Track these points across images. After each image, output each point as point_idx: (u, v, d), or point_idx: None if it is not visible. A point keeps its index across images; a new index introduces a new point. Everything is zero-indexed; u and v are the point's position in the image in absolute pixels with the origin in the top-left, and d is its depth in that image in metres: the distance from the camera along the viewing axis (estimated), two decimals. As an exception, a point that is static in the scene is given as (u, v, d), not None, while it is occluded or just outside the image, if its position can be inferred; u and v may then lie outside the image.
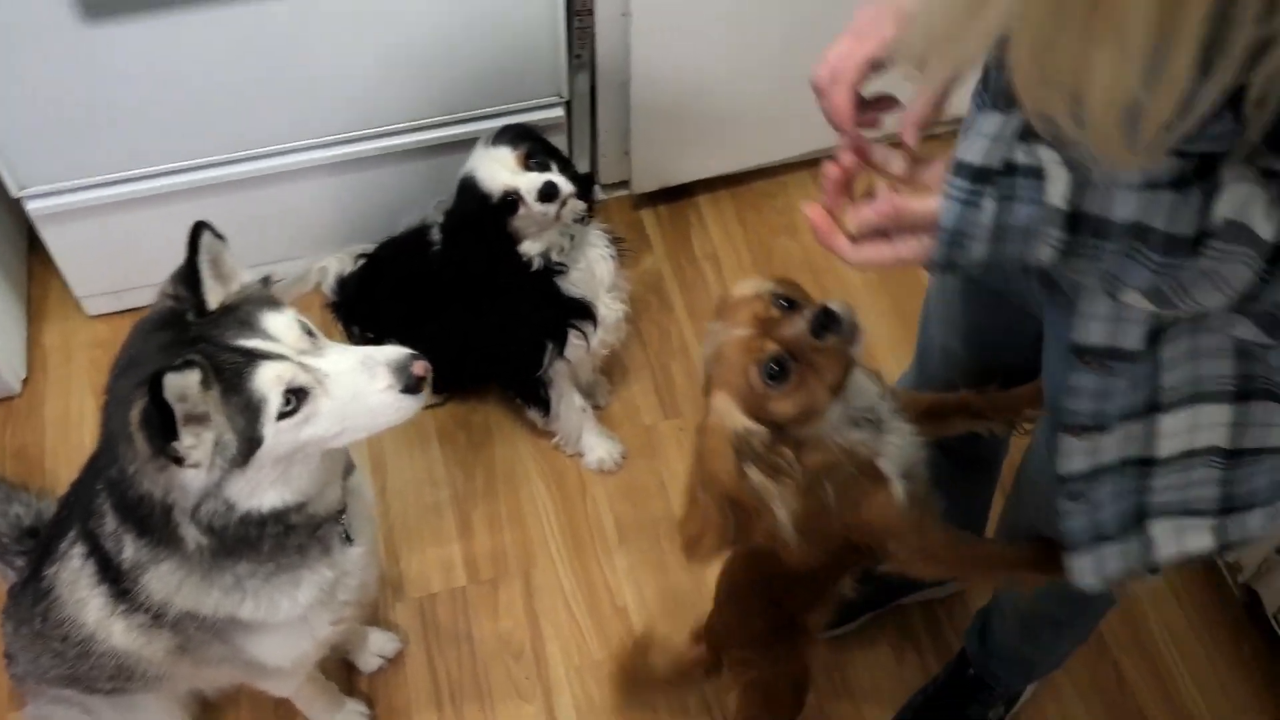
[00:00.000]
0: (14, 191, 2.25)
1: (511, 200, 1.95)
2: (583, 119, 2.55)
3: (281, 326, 1.34)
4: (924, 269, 1.01)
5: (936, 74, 0.95)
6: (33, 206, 2.29)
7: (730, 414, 1.21)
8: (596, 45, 2.37)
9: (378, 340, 2.37)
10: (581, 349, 2.18)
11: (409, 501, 2.33)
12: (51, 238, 2.38)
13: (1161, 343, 1.06)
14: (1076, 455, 1.19)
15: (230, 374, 1.27)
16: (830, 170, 1.07)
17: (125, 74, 2.10)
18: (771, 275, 1.30)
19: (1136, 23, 0.71)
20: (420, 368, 1.37)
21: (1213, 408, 1.10)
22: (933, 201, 0.96)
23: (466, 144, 2.06)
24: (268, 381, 1.28)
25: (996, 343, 1.46)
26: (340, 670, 2.09)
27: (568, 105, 2.43)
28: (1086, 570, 1.28)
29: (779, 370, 1.19)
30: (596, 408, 2.40)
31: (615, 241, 2.19)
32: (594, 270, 2.14)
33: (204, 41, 2.08)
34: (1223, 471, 1.15)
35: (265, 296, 1.39)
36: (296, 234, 2.51)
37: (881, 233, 1.02)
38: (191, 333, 1.31)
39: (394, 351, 1.38)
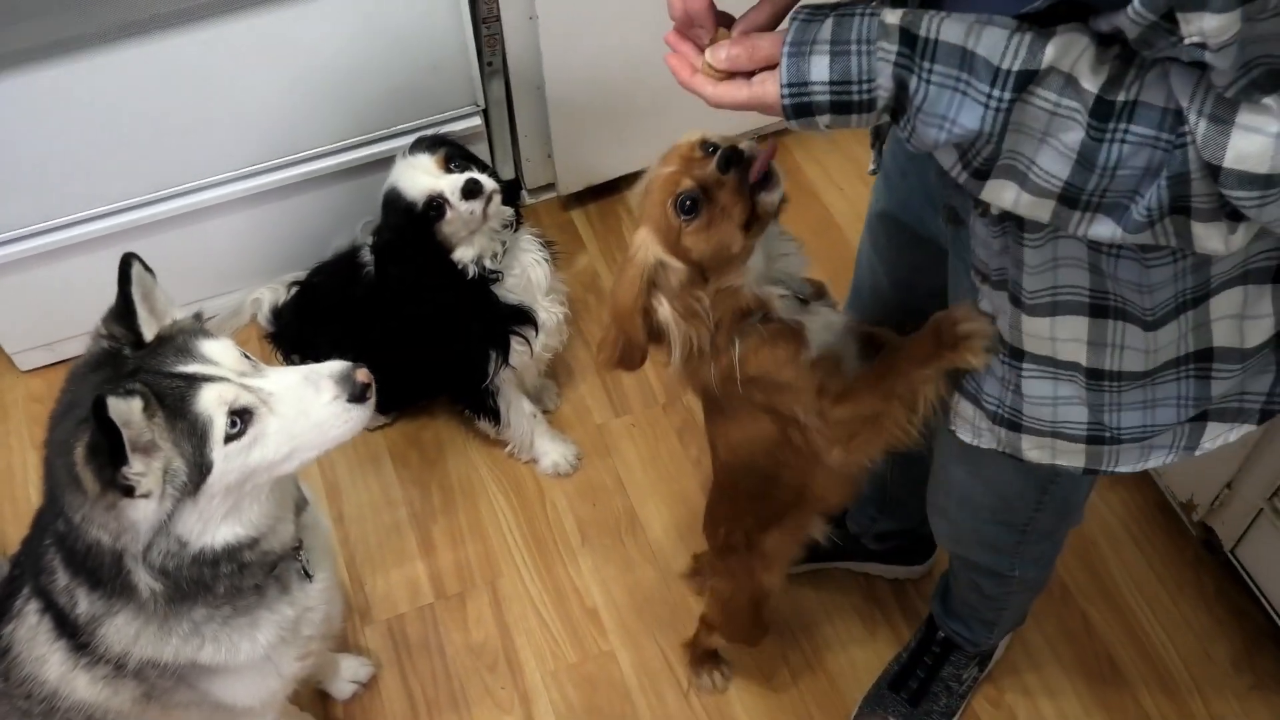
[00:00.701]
0: (-68, 253, 2.23)
1: (437, 204, 1.96)
2: (502, 126, 2.55)
3: (220, 351, 1.35)
4: (782, 115, 1.04)
5: None
6: (-50, 266, 2.27)
7: (650, 246, 1.29)
8: (507, 51, 2.38)
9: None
10: (525, 355, 2.19)
11: (368, 525, 2.32)
12: (-26, 296, 2.36)
13: (1024, 246, 1.10)
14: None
15: (172, 399, 1.27)
16: (670, 37, 1.14)
17: (34, 123, 2.09)
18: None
19: None
20: (363, 374, 1.38)
21: (1071, 319, 1.15)
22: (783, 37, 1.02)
23: (388, 162, 2.07)
24: (211, 403, 1.28)
25: (919, 285, 1.49)
26: (315, 700, 2.08)
27: (485, 113, 2.44)
28: (964, 425, 1.35)
29: (691, 205, 1.26)
30: (546, 412, 2.41)
31: (548, 245, 2.20)
32: (529, 275, 2.15)
33: (110, 84, 2.07)
34: (1087, 392, 1.20)
35: (198, 327, 1.39)
36: (226, 268, 2.50)
37: (741, 76, 1.07)
38: (129, 365, 1.31)
39: (335, 364, 1.38)
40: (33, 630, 1.53)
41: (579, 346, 2.51)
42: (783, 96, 1.01)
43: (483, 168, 2.03)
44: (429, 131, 2.14)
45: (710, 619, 1.95)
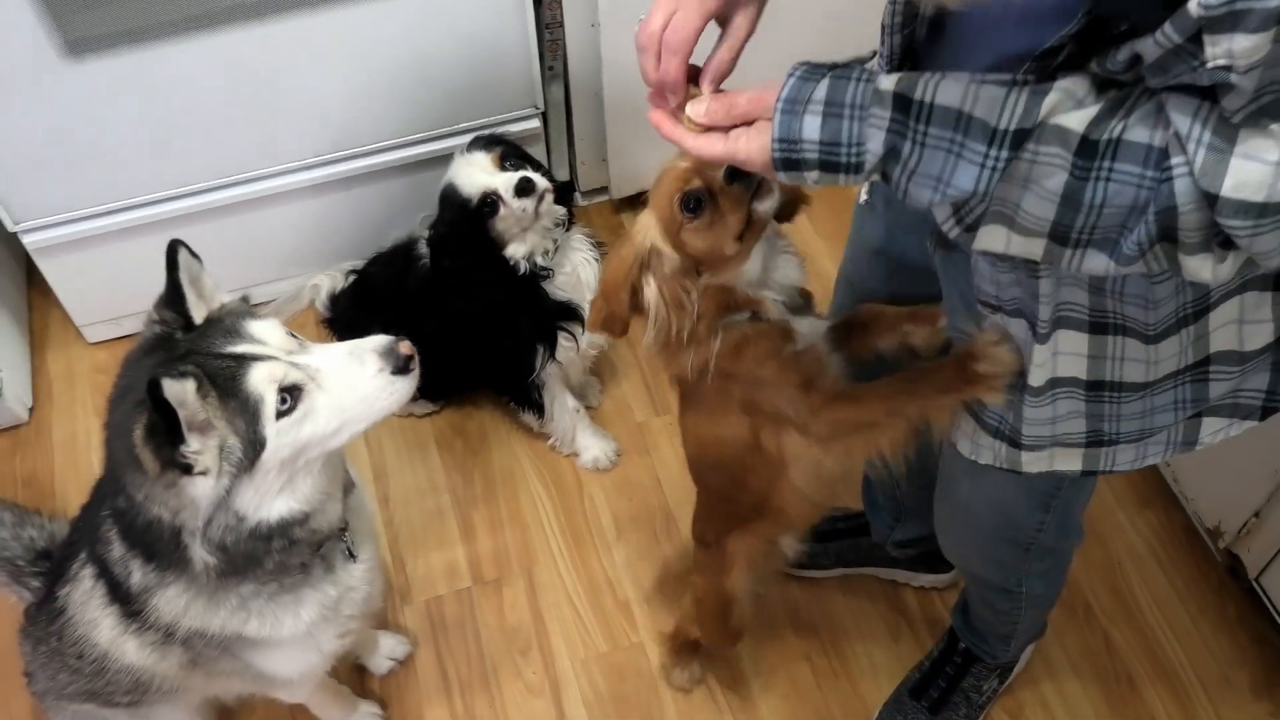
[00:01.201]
0: (10, 226, 2.27)
1: (491, 201, 1.97)
2: (559, 128, 2.56)
3: (267, 331, 1.36)
4: (768, 168, 1.05)
5: None
6: (29, 240, 2.31)
7: (649, 231, 1.32)
8: (568, 56, 2.38)
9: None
10: (571, 351, 2.20)
11: (411, 508, 2.34)
12: (49, 269, 2.40)
13: (1039, 278, 1.09)
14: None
15: (224, 379, 1.28)
16: (651, 97, 1.17)
17: (111, 107, 2.12)
18: None
19: None
20: (405, 347, 1.38)
21: (1071, 334, 1.14)
22: (769, 95, 1.03)
23: (447, 159, 2.08)
24: (261, 381, 1.29)
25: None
26: (353, 674, 2.11)
27: (544, 116, 2.45)
28: (964, 439, 1.34)
29: (695, 204, 1.28)
30: (589, 408, 2.41)
31: (598, 245, 2.21)
32: (579, 274, 2.15)
33: (186, 71, 2.10)
34: (1086, 404, 1.19)
35: (246, 309, 1.40)
36: (288, 254, 2.52)
37: (719, 130, 1.10)
38: (181, 349, 1.33)
39: (378, 338, 1.38)
40: (87, 594, 1.56)
41: (623, 345, 2.52)
42: (773, 150, 1.02)
43: (537, 167, 2.04)
44: (487, 131, 2.15)
45: (693, 612, 1.94)
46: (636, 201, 2.75)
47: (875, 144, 0.97)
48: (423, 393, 2.39)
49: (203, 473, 1.29)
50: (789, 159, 1.02)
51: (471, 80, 2.30)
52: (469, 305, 2.14)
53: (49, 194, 2.24)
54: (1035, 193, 0.93)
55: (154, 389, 1.20)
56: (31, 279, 2.66)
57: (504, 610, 2.20)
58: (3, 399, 2.40)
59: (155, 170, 2.26)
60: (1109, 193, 0.90)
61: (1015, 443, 1.27)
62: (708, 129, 1.10)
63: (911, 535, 2.03)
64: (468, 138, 2.08)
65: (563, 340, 2.17)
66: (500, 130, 2.21)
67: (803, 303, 1.43)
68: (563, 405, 2.30)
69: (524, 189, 1.95)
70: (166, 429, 1.24)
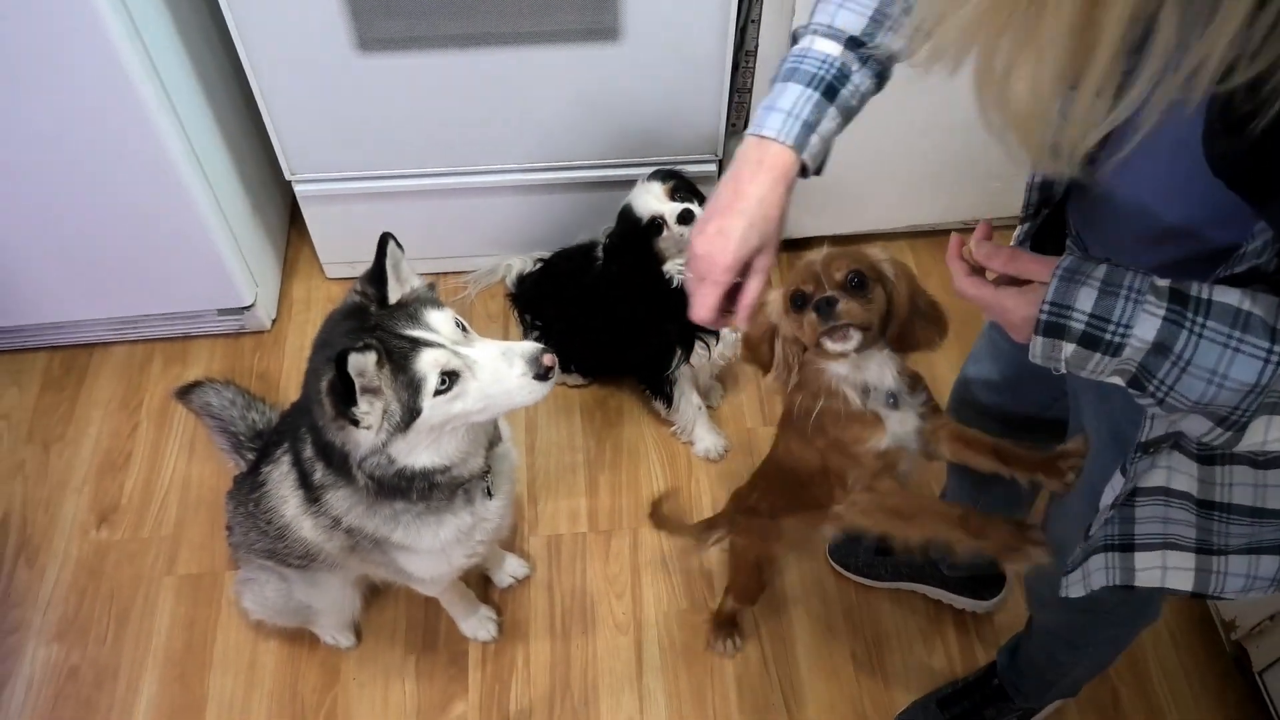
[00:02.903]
0: (287, 175, 2.37)
1: (657, 223, 1.98)
2: (732, 175, 2.53)
3: (440, 321, 1.37)
4: (1024, 328, 0.94)
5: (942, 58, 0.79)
6: (299, 188, 2.41)
7: (776, 304, 1.34)
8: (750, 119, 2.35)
9: (544, 329, 2.39)
10: (704, 357, 2.20)
11: (550, 459, 2.37)
12: (309, 214, 2.49)
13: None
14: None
15: (399, 357, 1.30)
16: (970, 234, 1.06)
17: (385, 95, 2.18)
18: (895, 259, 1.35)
19: (1057, 30, 0.68)
20: (548, 359, 1.37)
21: (1183, 458, 1.04)
22: (1049, 262, 0.92)
23: (632, 183, 2.09)
24: (428, 364, 1.31)
25: (1031, 383, 1.42)
26: (479, 581, 2.15)
27: (720, 163, 2.42)
28: (1075, 585, 1.24)
29: (800, 302, 1.30)
30: (710, 407, 2.40)
31: (741, 276, 2.17)
32: (722, 297, 2.13)
33: (449, 77, 2.15)
34: (1198, 518, 1.07)
35: (430, 297, 1.41)
36: (492, 235, 2.57)
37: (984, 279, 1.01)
38: (371, 321, 1.35)
39: (529, 345, 1.38)
40: (283, 476, 1.63)
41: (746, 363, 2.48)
42: (1042, 311, 0.90)
43: (703, 201, 2.03)
44: (668, 165, 2.15)
45: (730, 585, 1.93)
46: (781, 246, 2.70)
47: (1144, 329, 0.85)
48: (578, 368, 2.42)
49: (366, 427, 1.33)
50: (1055, 323, 0.89)
51: (668, 123, 2.30)
52: (628, 305, 2.15)
53: (322, 155, 2.32)
54: None
55: (341, 360, 1.23)
56: (293, 219, 2.76)
57: (609, 558, 2.21)
58: (255, 309, 2.51)
59: (408, 151, 2.32)
60: None
61: (1129, 546, 1.14)
62: (978, 271, 1.01)
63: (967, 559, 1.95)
64: (651, 168, 2.08)
65: (698, 347, 2.17)
66: (679, 166, 2.20)
67: (906, 386, 1.38)
68: (688, 400, 2.30)
69: (685, 218, 1.95)
70: (343, 390, 1.27)
